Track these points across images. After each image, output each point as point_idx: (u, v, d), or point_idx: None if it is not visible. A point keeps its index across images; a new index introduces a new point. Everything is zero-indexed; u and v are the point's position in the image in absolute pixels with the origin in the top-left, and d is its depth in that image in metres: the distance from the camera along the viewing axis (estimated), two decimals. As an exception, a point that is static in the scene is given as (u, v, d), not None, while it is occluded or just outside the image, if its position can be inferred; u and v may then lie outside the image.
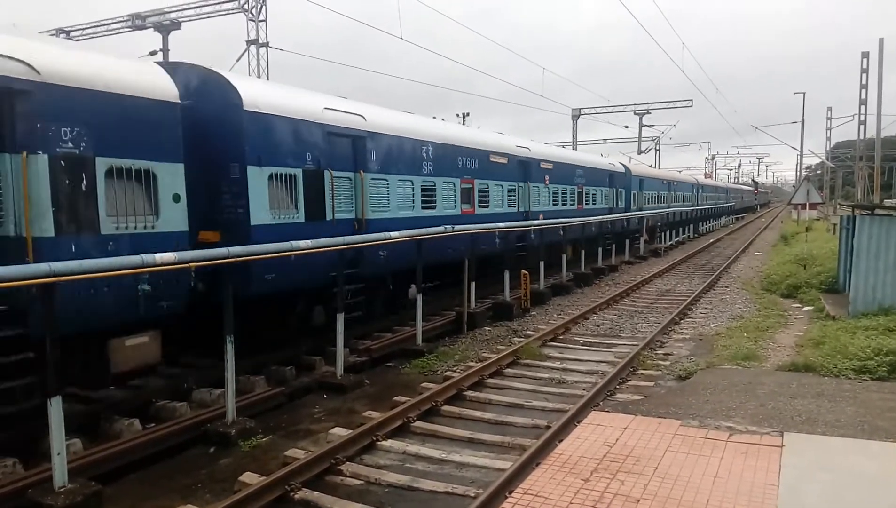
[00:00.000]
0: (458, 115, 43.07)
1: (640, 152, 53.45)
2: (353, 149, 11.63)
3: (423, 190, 13.76)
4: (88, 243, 7.26)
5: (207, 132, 9.24)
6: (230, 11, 26.82)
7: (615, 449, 6.58)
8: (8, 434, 7.03)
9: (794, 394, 8.34)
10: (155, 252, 7.00)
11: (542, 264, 17.72)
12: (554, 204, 21.56)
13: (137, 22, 27.36)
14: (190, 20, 27.30)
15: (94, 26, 28.31)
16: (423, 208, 13.75)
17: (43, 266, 5.75)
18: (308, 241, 9.10)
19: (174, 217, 8.21)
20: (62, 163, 6.98)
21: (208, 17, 27.25)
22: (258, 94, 9.88)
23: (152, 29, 27.33)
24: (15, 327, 6.61)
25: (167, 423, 7.80)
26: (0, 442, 6.92)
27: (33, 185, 6.74)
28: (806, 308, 15.08)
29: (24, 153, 6.67)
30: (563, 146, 43.47)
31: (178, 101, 8.33)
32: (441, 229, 12.63)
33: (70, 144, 7.09)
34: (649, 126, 54.03)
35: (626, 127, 54.22)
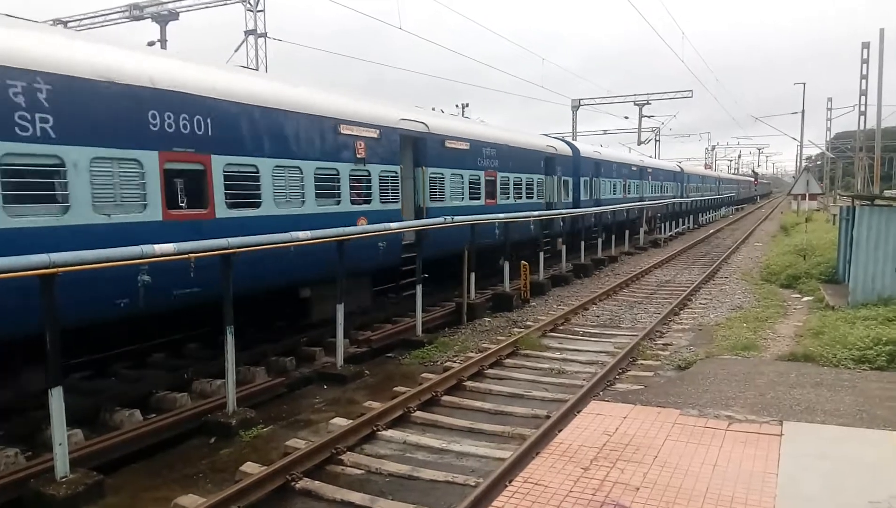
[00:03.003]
0: (457, 105, 42.91)
1: (640, 143, 53.36)
2: (595, 168, 26.54)
3: (624, 187, 30.84)
4: (561, 206, 21.83)
5: (572, 165, 23.61)
6: (228, 2, 26.70)
7: (615, 438, 6.60)
8: (10, 425, 7.06)
9: (793, 384, 8.36)
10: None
11: (541, 254, 17.74)
12: (651, 192, 37.15)
13: (135, 13, 27.26)
14: (188, 10, 27.21)
15: (92, 17, 28.20)
16: (625, 193, 30.96)
17: (43, 257, 5.73)
18: (308, 231, 9.14)
19: (568, 196, 23.05)
20: (560, 179, 22.62)
21: (206, 7, 27.13)
22: (583, 147, 26.33)
23: (150, 19, 27.23)
24: None
25: (168, 414, 7.81)
26: (2, 433, 6.95)
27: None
28: (805, 299, 15.09)
29: (553, 177, 21.92)
30: (563, 137, 43.71)
31: (571, 155, 23.84)
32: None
33: (558, 172, 22.35)
34: (649, 117, 53.93)
35: (626, 118, 54.14)
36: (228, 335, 7.68)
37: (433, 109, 18.97)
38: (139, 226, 7.79)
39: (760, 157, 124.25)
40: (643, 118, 53.13)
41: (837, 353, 9.46)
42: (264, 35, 26.56)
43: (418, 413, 8.07)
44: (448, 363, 10.43)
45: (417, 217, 13.63)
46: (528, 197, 19.36)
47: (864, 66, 35.70)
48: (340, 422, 7.66)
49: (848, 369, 9.03)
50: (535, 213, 17.70)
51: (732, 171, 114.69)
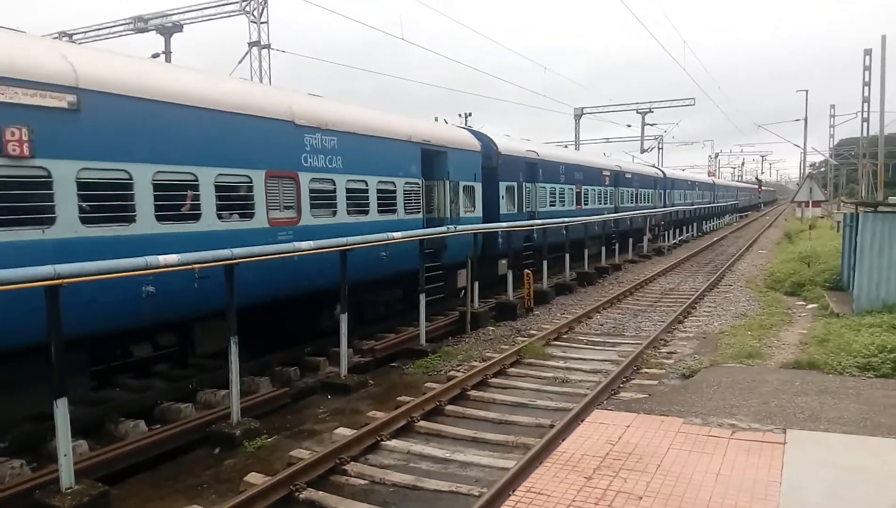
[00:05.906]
0: (459, 115, 43.05)
1: (642, 152, 53.38)
2: (672, 183, 41.10)
3: (684, 195, 43.98)
4: (659, 207, 37.27)
5: (662, 182, 38.81)
6: (232, 14, 26.86)
7: (618, 447, 6.59)
8: (15, 436, 7.09)
9: (797, 391, 8.34)
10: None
11: (545, 262, 17.76)
12: (697, 198, 48.44)
13: (140, 25, 27.43)
14: (192, 22, 27.37)
15: (97, 29, 28.38)
16: (684, 199, 44.38)
17: (48, 269, 5.79)
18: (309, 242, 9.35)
19: (661, 202, 37.70)
20: (657, 192, 38.33)
21: (210, 20, 27.30)
22: (667, 171, 43.32)
23: (155, 32, 27.41)
24: None
25: (172, 424, 7.84)
26: (7, 444, 6.97)
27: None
28: (810, 306, 15.07)
29: (655, 190, 38.06)
30: (566, 146, 44.11)
31: (662, 176, 39.39)
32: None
33: (657, 187, 38.18)
34: (652, 125, 53.92)
35: (629, 126, 54.15)
36: (232, 345, 7.72)
37: (436, 118, 19.37)
38: (570, 212, 21.93)
39: (764, 164, 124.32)
40: (646, 126, 53.16)
41: (842, 360, 9.44)
42: (268, 46, 26.71)
43: (422, 423, 8.08)
44: (452, 373, 10.44)
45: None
46: (646, 202, 34.41)
47: (867, 72, 35.72)
48: (344, 432, 7.67)
49: (853, 376, 9.01)
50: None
51: (736, 178, 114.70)
